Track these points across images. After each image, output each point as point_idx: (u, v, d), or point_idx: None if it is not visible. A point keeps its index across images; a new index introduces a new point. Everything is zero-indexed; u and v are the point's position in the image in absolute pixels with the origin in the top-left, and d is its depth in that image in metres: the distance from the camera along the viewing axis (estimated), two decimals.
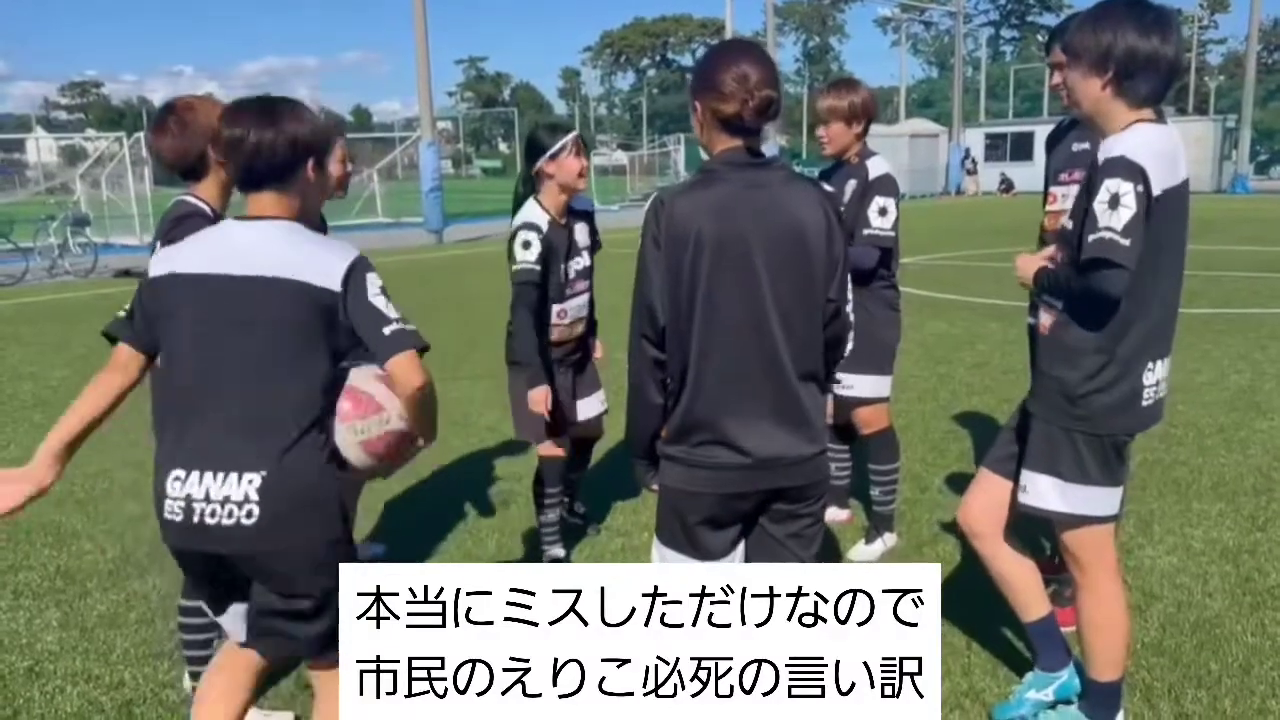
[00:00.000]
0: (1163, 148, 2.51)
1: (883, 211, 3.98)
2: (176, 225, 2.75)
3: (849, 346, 2.50)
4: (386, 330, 2.17)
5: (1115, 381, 2.60)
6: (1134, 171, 2.43)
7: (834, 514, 4.66)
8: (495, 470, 5.57)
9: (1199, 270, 12.25)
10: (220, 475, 2.14)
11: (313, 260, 2.20)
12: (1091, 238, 2.46)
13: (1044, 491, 2.72)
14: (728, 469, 2.30)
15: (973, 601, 3.77)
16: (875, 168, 4.04)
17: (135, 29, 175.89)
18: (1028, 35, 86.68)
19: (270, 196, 2.27)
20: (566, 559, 4.30)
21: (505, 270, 3.98)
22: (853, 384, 4.18)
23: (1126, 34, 2.48)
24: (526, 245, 3.86)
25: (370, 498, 5.16)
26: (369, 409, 2.26)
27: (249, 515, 2.13)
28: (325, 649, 2.24)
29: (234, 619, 2.35)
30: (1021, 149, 36.96)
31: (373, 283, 2.22)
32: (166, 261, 2.28)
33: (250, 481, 2.13)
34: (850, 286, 2.43)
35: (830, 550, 4.33)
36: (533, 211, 3.94)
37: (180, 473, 2.16)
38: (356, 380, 2.29)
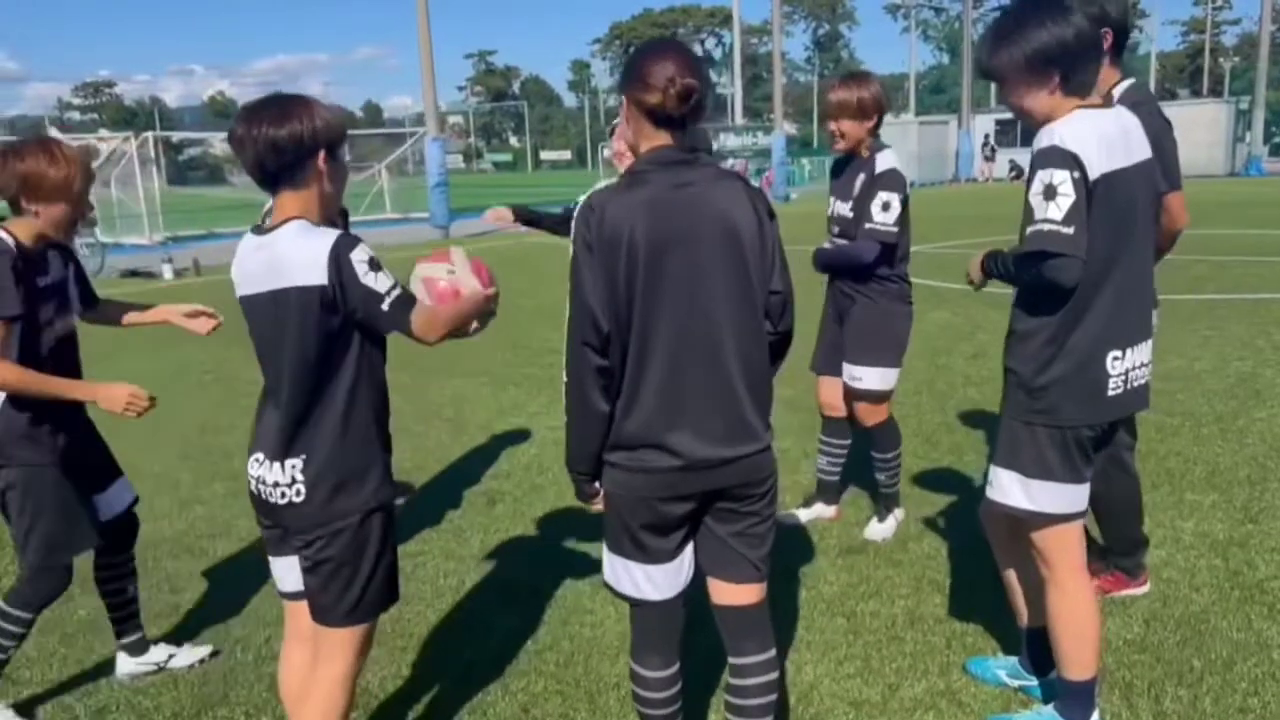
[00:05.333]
0: (1104, 132, 2.48)
1: (885, 206, 3.95)
2: None
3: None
4: (384, 306, 2.26)
5: (1074, 372, 2.56)
6: (1067, 159, 2.41)
7: (821, 510, 4.63)
8: (484, 469, 5.56)
9: (1206, 255, 12.11)
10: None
11: (302, 260, 2.24)
12: (1030, 230, 2.45)
13: (1007, 487, 2.68)
14: (660, 472, 2.26)
15: (953, 600, 3.75)
16: (882, 162, 4.02)
17: (147, 29, 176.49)
18: None
19: (286, 195, 2.33)
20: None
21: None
22: (861, 376, 4.17)
23: (1053, 30, 2.45)
24: None
25: None
26: (439, 258, 2.52)
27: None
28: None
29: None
30: (1031, 135, 36.45)
31: (359, 263, 2.24)
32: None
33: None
34: (789, 280, 2.37)
35: (801, 549, 4.29)
36: None
37: None
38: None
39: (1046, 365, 2.58)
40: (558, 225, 4.37)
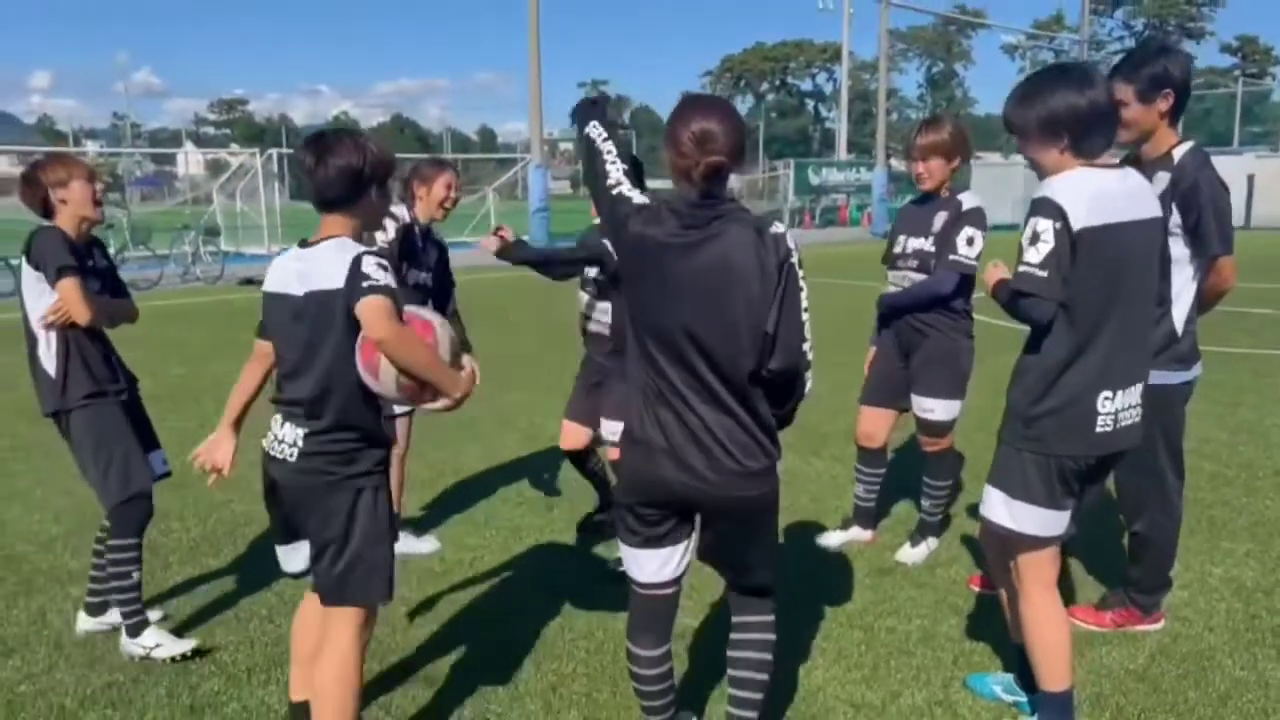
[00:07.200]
0: (1101, 189, 2.69)
1: (970, 241, 4.21)
2: (35, 237, 3.51)
3: (809, 386, 2.58)
4: (364, 285, 2.46)
5: (1064, 407, 2.77)
6: (1052, 209, 2.65)
7: (857, 534, 4.84)
8: (548, 477, 5.91)
9: None
10: None
11: (330, 270, 2.53)
12: (1015, 271, 2.70)
13: (994, 505, 2.91)
14: (634, 473, 2.58)
15: (968, 622, 3.92)
16: (968, 201, 4.30)
17: (281, 50, 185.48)
18: None
19: (334, 218, 2.64)
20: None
21: None
22: (933, 408, 4.45)
23: (1067, 98, 2.68)
24: None
25: (422, 491, 5.56)
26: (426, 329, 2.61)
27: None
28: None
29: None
30: None
31: (370, 262, 2.50)
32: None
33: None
34: (808, 327, 2.50)
35: (833, 568, 4.50)
36: None
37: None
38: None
39: (1040, 398, 2.80)
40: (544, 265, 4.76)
